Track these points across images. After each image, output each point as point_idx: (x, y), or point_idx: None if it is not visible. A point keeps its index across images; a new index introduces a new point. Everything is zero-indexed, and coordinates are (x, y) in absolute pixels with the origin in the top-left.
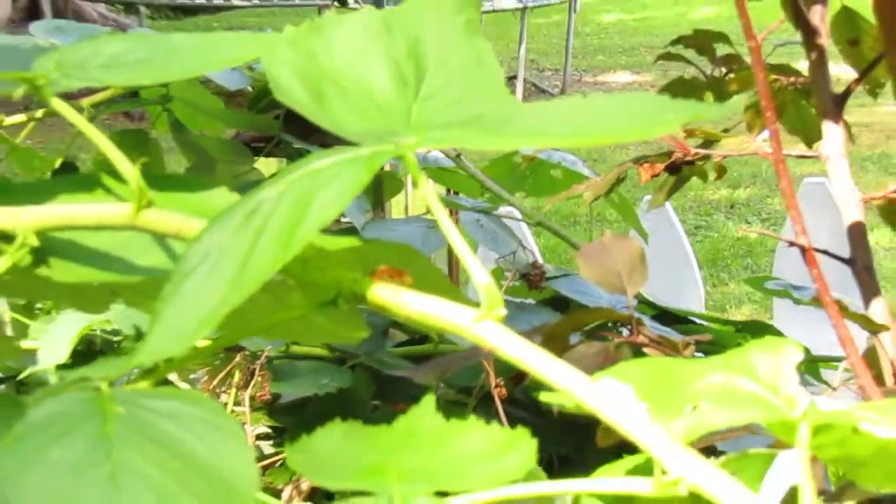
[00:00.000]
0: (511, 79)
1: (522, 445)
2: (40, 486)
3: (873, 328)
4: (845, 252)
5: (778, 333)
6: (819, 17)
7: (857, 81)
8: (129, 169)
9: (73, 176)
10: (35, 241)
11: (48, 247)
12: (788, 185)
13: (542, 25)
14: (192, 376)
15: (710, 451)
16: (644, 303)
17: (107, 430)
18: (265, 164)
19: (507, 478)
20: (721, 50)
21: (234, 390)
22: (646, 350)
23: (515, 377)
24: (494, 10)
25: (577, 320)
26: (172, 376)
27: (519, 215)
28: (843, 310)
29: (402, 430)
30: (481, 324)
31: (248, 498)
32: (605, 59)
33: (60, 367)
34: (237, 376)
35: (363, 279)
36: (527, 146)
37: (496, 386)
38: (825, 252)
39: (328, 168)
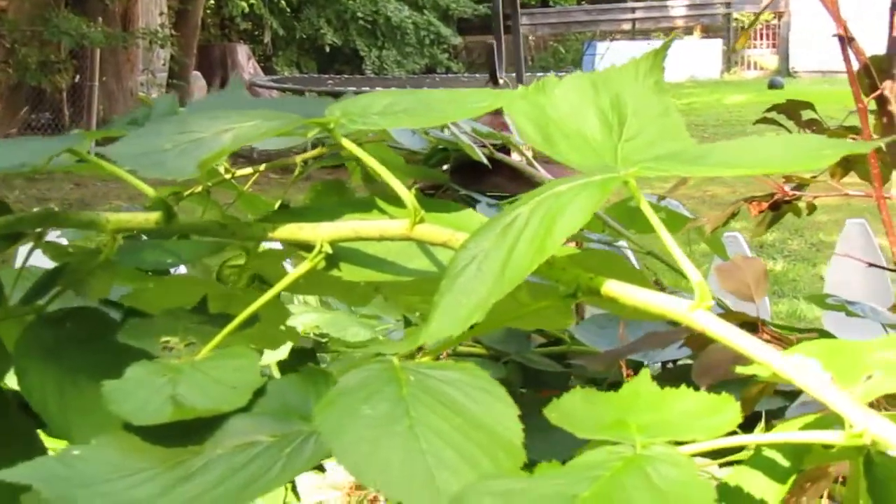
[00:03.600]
0: None
1: (729, 407)
2: (356, 436)
3: None
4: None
5: (832, 336)
6: (889, 90)
7: None
8: (405, 193)
9: (352, 200)
10: (329, 249)
11: (338, 254)
12: (888, 216)
13: None
14: None
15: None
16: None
17: (403, 393)
18: None
19: (721, 431)
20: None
21: None
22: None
23: (635, 369)
24: None
25: None
26: None
27: (631, 246)
28: None
29: (627, 395)
30: (695, 312)
31: (517, 448)
32: None
33: (280, 362)
34: None
35: (598, 277)
36: (720, 175)
37: (627, 375)
38: (890, 269)
39: (568, 191)
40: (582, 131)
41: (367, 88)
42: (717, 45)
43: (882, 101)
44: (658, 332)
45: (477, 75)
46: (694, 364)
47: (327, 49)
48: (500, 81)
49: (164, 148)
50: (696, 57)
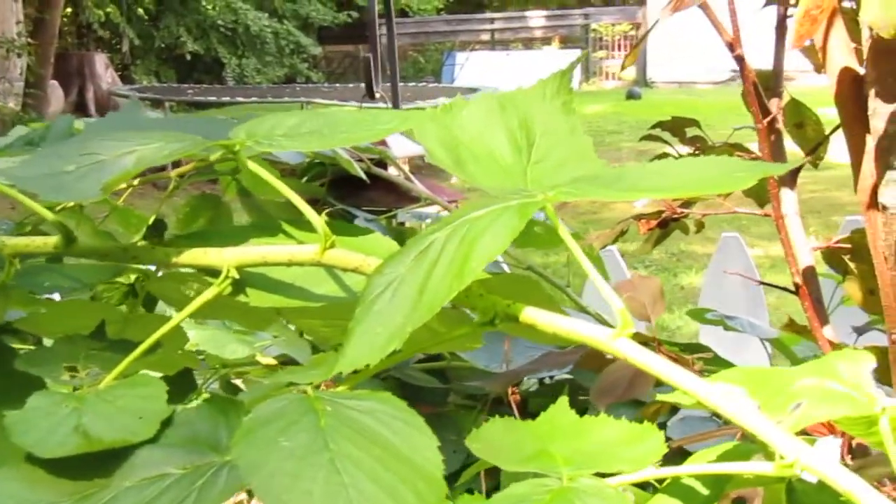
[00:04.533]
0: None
1: (651, 436)
2: (274, 468)
3: (832, 347)
4: (755, 288)
5: (721, 357)
6: (776, 107)
7: (807, 157)
8: (316, 218)
9: (259, 224)
10: (236, 275)
11: (245, 279)
12: (786, 236)
13: None
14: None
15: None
16: None
17: (321, 424)
18: None
19: (646, 462)
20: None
21: None
22: None
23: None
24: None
25: None
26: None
27: (507, 261)
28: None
29: (546, 424)
30: (618, 339)
31: (438, 480)
32: None
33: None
34: None
35: (516, 304)
36: (637, 198)
37: (512, 393)
38: (778, 287)
39: (485, 216)
40: (492, 153)
41: (228, 98)
42: (575, 55)
43: (770, 120)
44: (555, 351)
45: (337, 85)
46: (592, 386)
47: (188, 57)
48: (377, 95)
49: (65, 170)
50: (554, 67)
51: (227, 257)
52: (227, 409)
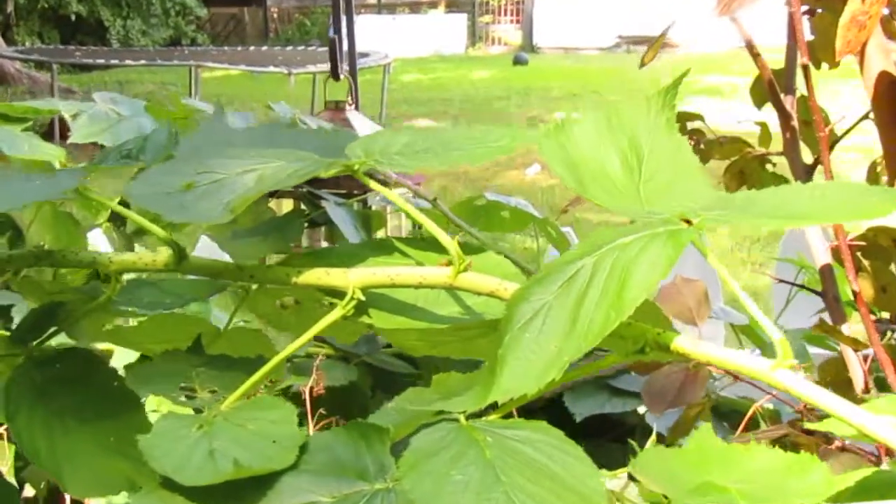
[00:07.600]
0: None
1: (815, 467)
2: (452, 501)
3: (857, 346)
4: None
5: None
6: (790, 105)
7: (817, 160)
8: (449, 242)
9: (372, 242)
10: (361, 296)
11: (369, 300)
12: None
13: (363, 82)
14: None
15: None
16: None
17: (487, 456)
18: (276, 204)
19: (819, 495)
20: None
21: None
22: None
23: None
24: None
25: None
26: None
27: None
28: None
29: (693, 453)
30: (777, 371)
31: None
32: (408, 109)
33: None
34: None
35: (666, 332)
36: (774, 226)
37: None
38: (804, 287)
39: (633, 243)
40: (605, 171)
41: (116, 60)
42: (461, 19)
43: (786, 117)
44: None
45: (226, 48)
46: (643, 392)
47: (72, 18)
48: (342, 76)
49: (184, 189)
50: (440, 32)
51: (352, 279)
52: (369, 434)
